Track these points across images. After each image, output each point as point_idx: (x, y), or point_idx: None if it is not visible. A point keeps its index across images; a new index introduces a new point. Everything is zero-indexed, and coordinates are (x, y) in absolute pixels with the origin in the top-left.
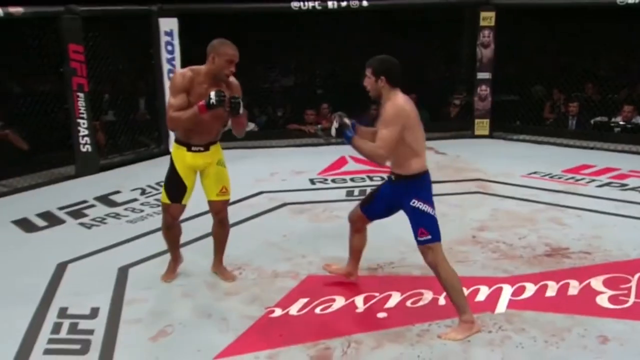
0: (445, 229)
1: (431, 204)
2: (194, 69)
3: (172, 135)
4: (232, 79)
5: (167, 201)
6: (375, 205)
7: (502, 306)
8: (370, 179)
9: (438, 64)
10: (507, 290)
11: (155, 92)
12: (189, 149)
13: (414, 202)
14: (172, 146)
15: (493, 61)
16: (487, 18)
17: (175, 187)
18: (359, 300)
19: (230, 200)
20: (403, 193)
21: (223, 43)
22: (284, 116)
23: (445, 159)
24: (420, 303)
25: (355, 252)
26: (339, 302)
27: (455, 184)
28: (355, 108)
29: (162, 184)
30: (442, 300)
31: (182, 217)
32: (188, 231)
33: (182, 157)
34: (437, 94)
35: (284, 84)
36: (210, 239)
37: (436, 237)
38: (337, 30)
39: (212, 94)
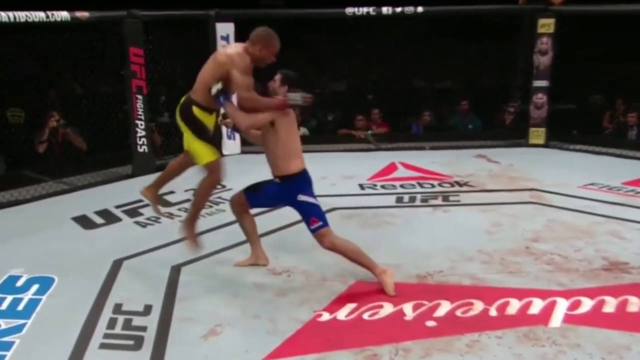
0: (497, 238)
1: (314, 196)
2: (246, 50)
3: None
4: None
5: (214, 157)
6: (260, 197)
7: (556, 320)
8: (421, 185)
9: (492, 70)
10: (562, 304)
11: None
12: (210, 112)
13: (300, 197)
14: (193, 109)
15: (550, 69)
16: (546, 25)
17: (212, 140)
18: (407, 308)
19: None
20: (289, 191)
21: (272, 36)
22: (335, 121)
23: (498, 167)
24: (470, 313)
25: (252, 234)
26: (387, 308)
27: (508, 194)
28: (406, 114)
29: (196, 146)
30: (493, 311)
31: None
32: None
33: (204, 117)
34: (491, 101)
35: (335, 89)
36: (267, 239)
37: (325, 222)
38: (390, 36)
39: (299, 96)
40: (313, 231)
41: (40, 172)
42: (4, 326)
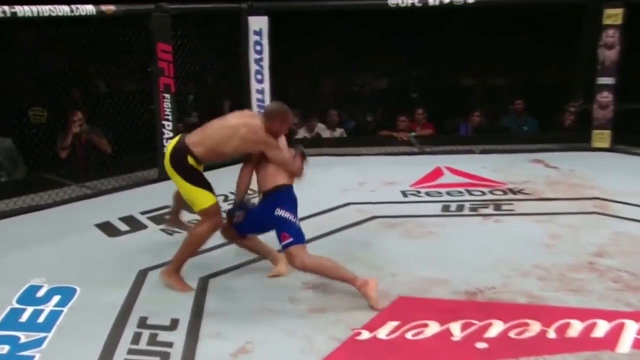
0: (556, 252)
1: (294, 214)
2: (265, 127)
3: None
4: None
5: (212, 201)
6: (245, 224)
7: (625, 345)
8: (470, 192)
9: (551, 66)
10: (631, 327)
11: (240, 94)
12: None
13: (277, 211)
14: (187, 158)
15: (617, 64)
16: (613, 16)
17: (207, 183)
18: (455, 327)
19: (316, 211)
20: (270, 206)
21: (288, 112)
22: (374, 121)
23: (557, 173)
24: (526, 335)
25: (259, 249)
26: (433, 327)
27: (568, 203)
28: (453, 114)
29: (191, 194)
30: (551, 334)
31: None
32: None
33: (197, 166)
34: (549, 100)
35: (375, 87)
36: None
37: (298, 239)
38: (437, 29)
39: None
40: (283, 248)
41: (62, 175)
42: (23, 339)
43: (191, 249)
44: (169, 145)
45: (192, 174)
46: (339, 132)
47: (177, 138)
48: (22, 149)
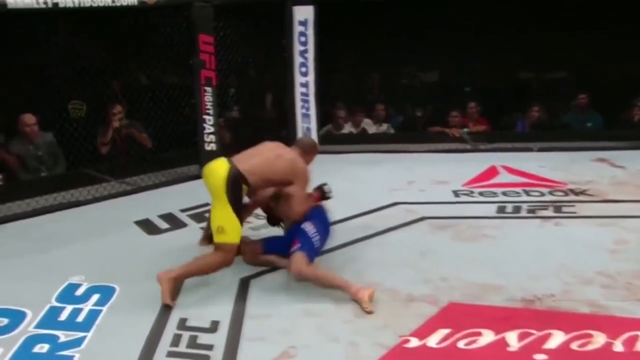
0: (622, 258)
1: (319, 234)
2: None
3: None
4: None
5: (237, 240)
6: (274, 243)
7: None
8: (527, 193)
9: (618, 59)
10: None
11: (284, 88)
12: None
13: (303, 225)
14: (243, 187)
15: None
16: None
17: (241, 222)
18: (511, 337)
19: (362, 211)
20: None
21: (315, 146)
22: (424, 117)
23: (623, 173)
24: (589, 347)
25: (272, 260)
26: (487, 336)
27: (635, 205)
28: (510, 109)
29: (230, 222)
30: (618, 346)
31: None
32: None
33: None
34: (616, 94)
35: (425, 80)
36: (348, 251)
37: (307, 251)
38: (492, 18)
39: (327, 188)
40: (290, 252)
41: (101, 171)
42: (63, 339)
43: (198, 271)
44: (218, 168)
45: (240, 204)
46: (384, 127)
47: (225, 163)
48: (62, 143)
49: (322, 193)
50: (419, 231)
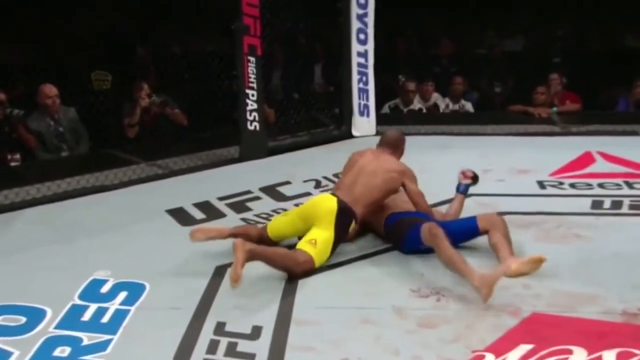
0: None
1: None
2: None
3: (357, 115)
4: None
5: (320, 263)
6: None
7: None
8: (630, 185)
9: None
10: None
11: (337, 58)
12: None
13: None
14: (352, 224)
15: None
16: None
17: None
18: (609, 356)
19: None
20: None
21: (404, 140)
22: (504, 93)
23: None
24: None
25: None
26: (579, 355)
27: None
28: (610, 84)
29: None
30: None
31: None
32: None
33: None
34: None
35: (507, 49)
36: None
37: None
38: None
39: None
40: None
41: (129, 152)
42: (86, 341)
43: (272, 258)
44: (327, 201)
45: (342, 237)
46: (462, 103)
47: (332, 197)
48: (86, 120)
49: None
50: None
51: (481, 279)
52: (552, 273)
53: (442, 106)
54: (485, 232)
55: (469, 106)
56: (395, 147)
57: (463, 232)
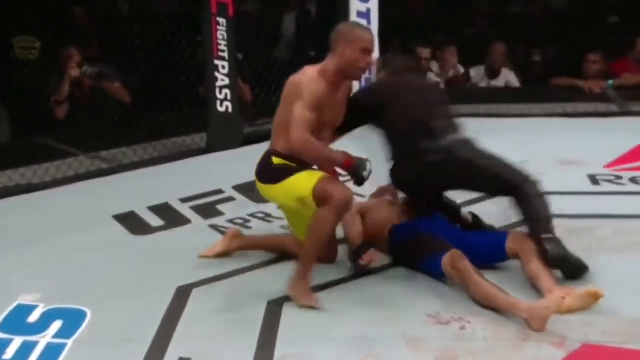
0: None
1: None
2: (321, 71)
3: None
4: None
5: (316, 176)
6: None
7: None
8: None
9: None
10: None
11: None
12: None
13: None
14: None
15: None
16: None
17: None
18: None
19: (456, 200)
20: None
21: (355, 26)
22: (545, 62)
23: None
24: None
25: None
26: None
27: None
28: None
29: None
30: None
31: None
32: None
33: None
34: None
35: (548, 5)
36: None
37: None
38: None
39: (368, 166)
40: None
41: (64, 140)
42: None
43: (313, 250)
44: None
45: (281, 172)
46: (503, 74)
47: None
48: (5, 98)
49: (354, 168)
50: None
51: (531, 310)
52: (608, 293)
53: (476, 79)
54: (515, 256)
55: (512, 78)
56: (332, 47)
57: (485, 253)
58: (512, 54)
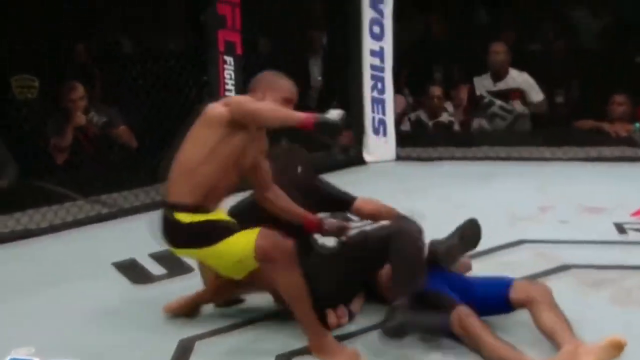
0: None
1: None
2: None
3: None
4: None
5: (253, 234)
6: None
7: None
8: None
9: None
10: None
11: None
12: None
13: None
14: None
15: None
16: None
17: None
18: None
19: (470, 251)
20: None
21: (279, 76)
22: (569, 103)
23: None
24: None
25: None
26: None
27: None
28: None
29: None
30: None
31: None
32: None
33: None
34: None
35: (571, 45)
36: None
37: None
38: None
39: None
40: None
41: (62, 183)
42: None
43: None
44: None
45: (204, 231)
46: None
47: None
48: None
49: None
50: (559, 288)
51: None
52: (632, 348)
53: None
54: (521, 306)
55: (521, 79)
56: (251, 90)
57: (490, 305)
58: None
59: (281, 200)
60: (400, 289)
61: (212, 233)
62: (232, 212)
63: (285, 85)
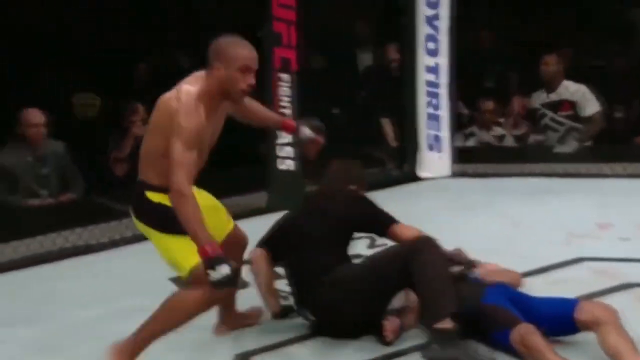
0: None
1: None
2: (198, 94)
3: (424, 150)
4: (248, 100)
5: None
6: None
7: None
8: None
9: None
10: None
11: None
12: None
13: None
14: (146, 195)
15: None
16: None
17: None
18: None
19: (525, 269)
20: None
21: (233, 42)
22: (629, 119)
23: None
24: None
25: None
26: None
27: None
28: None
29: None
30: None
31: None
32: None
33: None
34: None
35: (634, 59)
36: None
37: None
38: None
39: (225, 270)
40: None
41: (122, 199)
42: None
43: (162, 328)
44: None
45: (164, 215)
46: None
47: None
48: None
49: (208, 263)
50: (622, 307)
51: None
52: None
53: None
54: (586, 328)
55: (577, 90)
56: (208, 65)
57: (554, 326)
58: None
59: (254, 106)
60: (433, 312)
61: (169, 222)
62: None
63: (241, 53)
